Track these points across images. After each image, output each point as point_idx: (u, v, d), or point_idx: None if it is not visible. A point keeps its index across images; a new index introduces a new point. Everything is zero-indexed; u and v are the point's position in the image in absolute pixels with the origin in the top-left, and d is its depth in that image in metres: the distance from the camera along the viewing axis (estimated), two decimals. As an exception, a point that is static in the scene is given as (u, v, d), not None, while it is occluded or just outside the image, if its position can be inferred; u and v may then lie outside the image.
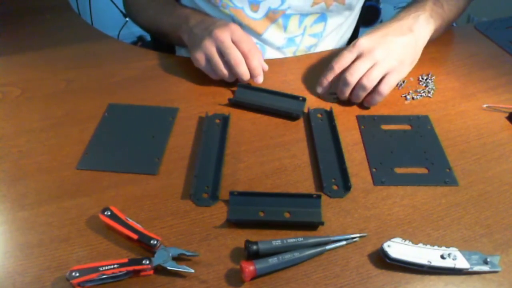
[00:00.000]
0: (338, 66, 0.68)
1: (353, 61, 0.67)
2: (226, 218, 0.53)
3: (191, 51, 0.72)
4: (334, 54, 0.81)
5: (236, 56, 0.67)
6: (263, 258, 0.48)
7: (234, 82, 0.73)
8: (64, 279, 0.46)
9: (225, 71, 0.69)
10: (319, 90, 0.71)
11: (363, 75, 0.65)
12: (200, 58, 0.70)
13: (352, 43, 0.68)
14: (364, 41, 0.66)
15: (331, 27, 0.87)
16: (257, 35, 0.83)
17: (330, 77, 0.69)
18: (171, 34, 0.80)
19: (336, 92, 0.70)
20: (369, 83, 0.65)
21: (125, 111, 0.69)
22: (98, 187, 0.57)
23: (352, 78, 0.66)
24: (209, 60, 0.69)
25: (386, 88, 0.66)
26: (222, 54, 0.68)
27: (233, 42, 0.68)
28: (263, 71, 0.71)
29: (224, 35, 0.67)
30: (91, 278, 0.45)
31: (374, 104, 0.69)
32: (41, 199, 0.56)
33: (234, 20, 0.82)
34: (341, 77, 0.68)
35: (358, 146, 0.64)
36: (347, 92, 0.68)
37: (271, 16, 0.81)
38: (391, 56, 0.65)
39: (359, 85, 0.66)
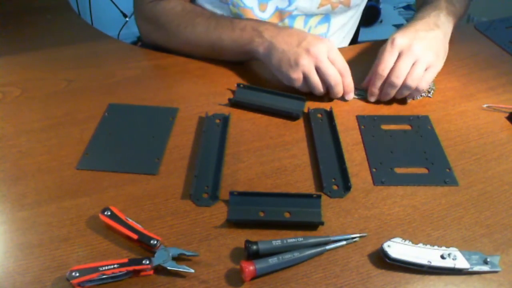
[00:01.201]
0: (384, 70, 0.67)
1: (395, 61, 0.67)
2: (226, 218, 0.53)
3: (282, 69, 0.68)
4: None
5: (336, 77, 0.67)
6: (263, 258, 0.48)
7: (233, 81, 0.73)
8: (64, 279, 0.46)
9: (322, 90, 0.69)
10: (372, 99, 0.71)
11: (407, 75, 0.66)
12: (297, 77, 0.68)
13: (389, 42, 0.67)
14: (401, 39, 0.66)
15: (335, 28, 0.87)
16: None
17: (379, 83, 0.68)
18: (233, 49, 0.74)
19: (380, 94, 0.70)
20: (414, 83, 0.66)
21: (125, 111, 0.69)
22: (98, 187, 0.57)
23: (399, 80, 0.66)
24: (306, 78, 0.68)
25: (425, 84, 0.67)
26: (318, 71, 0.67)
27: (329, 59, 0.67)
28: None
29: (323, 53, 0.66)
30: (91, 278, 0.45)
31: (415, 99, 0.71)
32: (41, 199, 0.56)
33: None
34: (386, 80, 0.67)
35: (358, 146, 0.64)
36: (393, 93, 0.68)
37: (278, 16, 0.81)
38: (429, 51, 0.66)
39: (404, 85, 0.67)
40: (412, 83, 0.66)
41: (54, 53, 0.83)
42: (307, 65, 0.66)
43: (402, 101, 0.72)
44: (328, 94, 0.70)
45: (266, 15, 0.81)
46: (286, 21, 0.82)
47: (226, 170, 0.60)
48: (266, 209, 0.54)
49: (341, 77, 0.67)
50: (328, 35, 0.87)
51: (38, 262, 0.49)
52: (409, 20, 0.73)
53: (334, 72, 0.67)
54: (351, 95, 0.71)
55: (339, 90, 0.68)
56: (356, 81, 0.72)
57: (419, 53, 0.65)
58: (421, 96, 0.73)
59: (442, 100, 0.72)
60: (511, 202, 0.56)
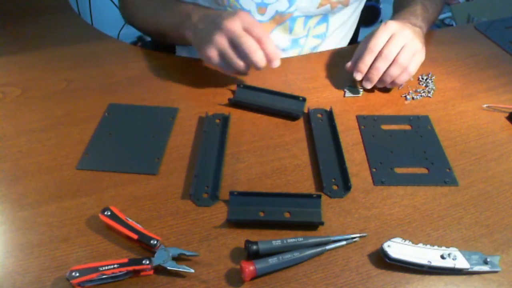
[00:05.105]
0: (376, 46, 0.67)
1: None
2: (226, 218, 0.53)
3: (200, 49, 0.68)
4: (334, 53, 0.82)
5: (251, 44, 0.63)
6: (263, 258, 0.48)
7: (233, 81, 0.73)
8: (64, 279, 0.46)
9: (241, 63, 0.65)
10: (358, 76, 0.70)
11: (399, 52, 0.67)
12: (212, 55, 0.66)
13: (382, 24, 0.69)
14: (394, 23, 0.68)
15: (334, 27, 0.87)
16: None
17: (369, 59, 0.68)
18: (171, 32, 0.76)
19: (369, 74, 0.69)
20: (405, 61, 0.67)
21: (125, 111, 0.69)
22: (98, 187, 0.57)
23: (392, 55, 0.67)
24: (222, 54, 0.65)
25: (415, 66, 0.69)
26: (234, 45, 0.64)
27: (244, 30, 0.64)
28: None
29: (234, 24, 0.63)
30: (91, 278, 0.45)
31: (402, 83, 0.71)
32: (41, 199, 0.56)
33: None
34: (379, 55, 0.68)
35: (358, 146, 0.64)
36: (383, 69, 0.68)
37: (278, 19, 0.81)
38: (417, 38, 0.69)
39: (395, 62, 0.67)
40: (404, 60, 0.67)
41: (54, 53, 0.83)
42: (219, 41, 0.64)
43: (402, 101, 0.72)
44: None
45: (265, 18, 0.81)
46: (287, 23, 0.82)
47: (226, 170, 0.60)
48: (266, 209, 0.54)
49: (259, 45, 0.64)
50: (327, 34, 0.87)
51: (38, 262, 0.49)
52: (391, 18, 0.76)
53: (248, 40, 0.63)
54: (276, 62, 0.66)
55: (258, 59, 0.64)
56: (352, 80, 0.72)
57: (409, 38, 0.68)
58: (421, 96, 0.73)
59: (442, 100, 0.72)
60: (511, 202, 0.56)
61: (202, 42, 0.66)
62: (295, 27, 0.83)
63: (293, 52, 0.87)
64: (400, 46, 0.67)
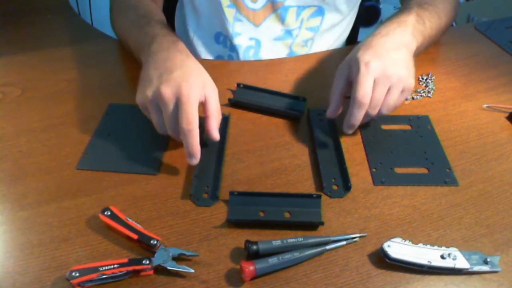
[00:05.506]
0: (366, 98, 0.58)
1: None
2: (226, 218, 0.53)
3: (137, 87, 0.60)
4: (334, 53, 0.82)
5: (192, 122, 0.54)
6: (263, 258, 0.48)
7: (233, 81, 0.73)
8: (64, 279, 0.46)
9: (166, 131, 0.58)
10: (350, 131, 0.62)
11: (382, 104, 0.60)
12: (138, 103, 0.59)
13: (362, 65, 0.59)
14: (375, 64, 0.59)
15: (328, 23, 0.87)
16: (254, 26, 0.84)
17: (360, 113, 0.59)
18: (134, 52, 0.71)
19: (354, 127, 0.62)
20: (388, 112, 0.61)
21: (125, 111, 0.69)
22: (98, 187, 0.57)
23: (375, 111, 0.60)
24: (162, 109, 0.56)
25: (400, 103, 0.62)
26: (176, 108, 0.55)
27: (178, 107, 0.54)
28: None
29: (168, 97, 0.54)
30: (91, 278, 0.45)
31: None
32: (41, 199, 0.56)
33: (233, 9, 0.81)
34: (366, 112, 0.60)
35: (358, 146, 0.64)
36: (365, 121, 0.62)
37: (270, 7, 0.82)
38: (403, 75, 0.60)
39: (380, 112, 0.61)
40: (386, 112, 0.61)
41: (54, 53, 0.83)
42: (166, 95, 0.54)
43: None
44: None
45: (257, 5, 0.81)
46: (279, 12, 0.82)
47: (226, 170, 0.60)
48: (266, 209, 0.54)
49: (194, 130, 0.54)
50: (320, 29, 0.87)
51: (38, 262, 0.49)
52: (374, 33, 0.65)
53: (173, 129, 0.56)
54: (192, 160, 0.56)
55: (190, 142, 0.54)
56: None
57: (394, 80, 0.59)
58: (421, 96, 0.73)
59: (442, 100, 0.72)
60: (511, 202, 0.56)
61: (141, 83, 0.60)
62: (287, 17, 0.83)
63: (284, 43, 0.86)
64: (383, 94, 0.59)
